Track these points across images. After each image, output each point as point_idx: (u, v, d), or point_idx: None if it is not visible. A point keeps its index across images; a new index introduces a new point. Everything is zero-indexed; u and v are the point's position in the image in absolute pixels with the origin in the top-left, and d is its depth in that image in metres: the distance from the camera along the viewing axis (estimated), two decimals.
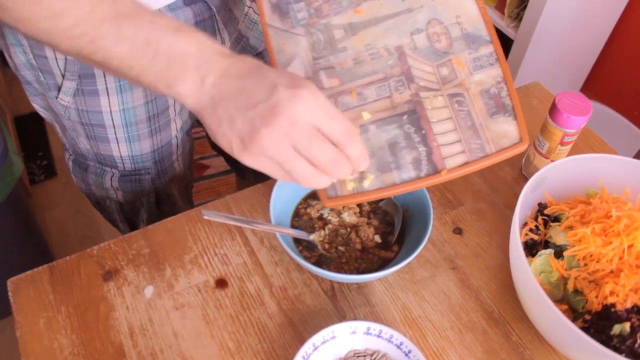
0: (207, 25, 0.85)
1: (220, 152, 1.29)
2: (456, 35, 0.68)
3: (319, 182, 0.58)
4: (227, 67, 0.55)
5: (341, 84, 0.68)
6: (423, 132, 0.66)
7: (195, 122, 1.04)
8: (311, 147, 0.54)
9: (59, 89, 0.82)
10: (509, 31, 2.09)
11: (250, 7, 0.94)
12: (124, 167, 0.96)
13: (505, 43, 2.08)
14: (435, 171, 0.65)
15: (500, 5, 2.13)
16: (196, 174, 2.19)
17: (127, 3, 0.55)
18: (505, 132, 0.65)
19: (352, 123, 0.57)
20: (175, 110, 0.93)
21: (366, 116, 0.67)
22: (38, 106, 0.90)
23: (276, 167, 0.56)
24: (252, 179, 1.30)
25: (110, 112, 0.85)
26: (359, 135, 0.57)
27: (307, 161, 0.55)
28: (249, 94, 0.54)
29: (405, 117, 0.66)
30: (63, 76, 0.80)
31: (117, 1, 0.54)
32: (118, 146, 0.91)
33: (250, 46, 0.99)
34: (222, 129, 0.55)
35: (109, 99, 0.83)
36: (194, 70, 0.54)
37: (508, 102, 0.66)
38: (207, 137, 1.28)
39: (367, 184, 0.65)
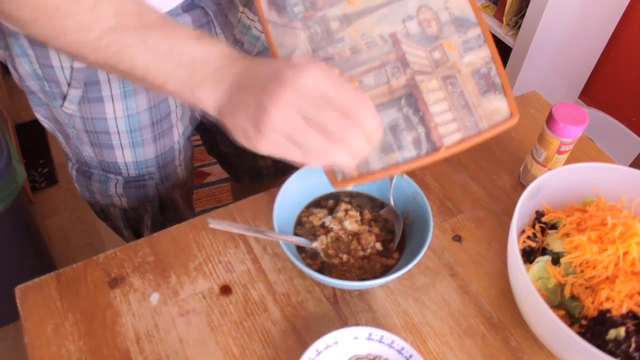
0: (204, 30, 0.87)
1: (217, 156, 1.30)
2: (445, 20, 0.71)
3: (334, 156, 0.57)
4: (243, 66, 0.58)
5: (341, 73, 0.71)
6: (421, 113, 0.69)
7: (194, 129, 1.06)
8: (319, 115, 0.54)
9: (64, 98, 0.84)
10: (507, 39, 2.11)
11: (242, 12, 0.96)
12: (129, 174, 0.97)
13: (504, 51, 2.10)
14: (435, 149, 0.69)
15: (498, 14, 2.15)
16: (197, 181, 2.20)
17: (151, 15, 0.58)
18: (497, 109, 0.69)
19: (361, 93, 0.57)
20: (177, 116, 0.94)
21: None
22: (41, 116, 0.91)
23: (290, 145, 0.56)
24: (247, 182, 1.31)
25: (115, 118, 0.87)
26: (371, 103, 0.57)
27: (319, 132, 0.55)
28: (257, 79, 0.55)
29: (403, 100, 0.70)
30: (69, 84, 0.82)
31: (141, 14, 0.57)
32: (122, 152, 0.93)
33: (244, 50, 1.01)
34: (237, 121, 0.57)
35: (113, 105, 0.85)
36: (213, 74, 0.57)
37: (497, 81, 0.70)
38: (205, 144, 1.30)
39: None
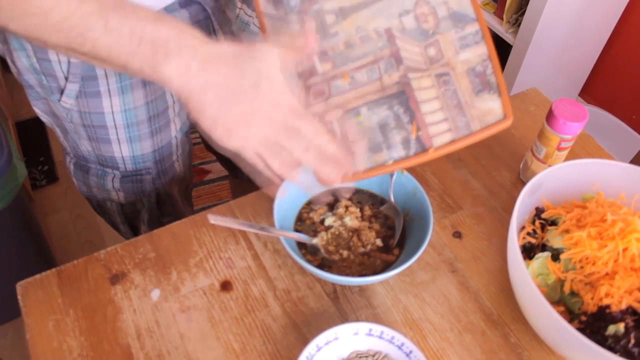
0: (202, 26, 0.87)
1: (216, 153, 1.31)
2: (443, 14, 0.69)
3: (292, 175, 0.64)
4: (208, 53, 0.59)
5: (334, 68, 0.70)
6: (411, 112, 0.68)
7: (192, 126, 1.06)
8: (284, 137, 0.61)
9: (62, 92, 0.84)
10: (507, 36, 2.11)
11: (241, 8, 0.96)
12: (125, 168, 0.98)
13: (504, 48, 2.10)
14: (423, 150, 0.68)
15: (499, 11, 2.15)
16: (197, 179, 2.20)
17: None
18: (490, 110, 0.67)
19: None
20: (174, 111, 0.95)
21: None
22: (39, 110, 0.92)
23: (251, 154, 0.62)
24: (245, 178, 1.32)
25: (112, 112, 0.87)
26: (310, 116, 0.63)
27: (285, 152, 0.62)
28: (236, 83, 0.59)
29: (394, 98, 0.69)
30: (66, 79, 0.82)
31: None
32: (120, 147, 0.93)
33: None
34: (208, 113, 0.60)
35: (110, 100, 0.85)
36: (176, 54, 0.58)
37: (493, 80, 0.68)
38: (203, 140, 1.30)
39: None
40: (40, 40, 0.59)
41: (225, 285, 0.78)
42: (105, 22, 0.56)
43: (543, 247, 0.76)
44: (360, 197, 0.87)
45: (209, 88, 0.59)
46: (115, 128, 0.90)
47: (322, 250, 0.80)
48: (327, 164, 0.63)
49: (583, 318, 0.68)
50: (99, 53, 0.58)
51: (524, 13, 2.00)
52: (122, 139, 0.92)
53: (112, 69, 0.61)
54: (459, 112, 0.68)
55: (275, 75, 0.61)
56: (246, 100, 0.59)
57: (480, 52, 0.68)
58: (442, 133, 0.68)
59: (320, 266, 0.78)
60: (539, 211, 0.79)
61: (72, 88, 0.83)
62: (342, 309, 0.77)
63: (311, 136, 0.62)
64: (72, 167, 1.02)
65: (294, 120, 0.61)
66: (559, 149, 0.87)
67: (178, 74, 0.58)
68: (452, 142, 0.67)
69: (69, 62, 0.80)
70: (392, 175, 0.84)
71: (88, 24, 0.56)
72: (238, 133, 0.60)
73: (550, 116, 0.85)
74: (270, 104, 0.60)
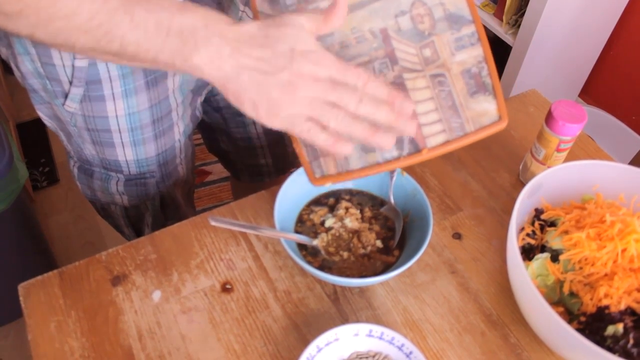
0: None
1: (217, 154, 1.31)
2: (439, 16, 0.69)
3: (350, 129, 0.62)
4: (237, 35, 0.59)
5: None
6: None
7: (195, 128, 1.07)
8: (334, 92, 0.60)
9: (66, 96, 0.84)
10: (507, 38, 2.11)
11: (243, 11, 0.97)
12: (129, 172, 0.98)
13: (504, 49, 2.10)
14: (417, 150, 0.68)
15: (498, 12, 2.15)
16: (198, 180, 2.20)
17: None
18: (485, 111, 0.67)
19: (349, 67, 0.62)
20: (178, 114, 0.95)
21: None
22: (43, 115, 0.92)
23: (303, 124, 0.61)
24: (246, 180, 1.32)
25: (116, 116, 0.87)
26: (358, 70, 0.62)
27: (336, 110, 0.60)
28: (270, 62, 0.59)
29: None
30: (70, 83, 0.82)
31: None
32: (124, 150, 0.93)
33: None
34: (247, 96, 0.60)
35: (115, 104, 0.85)
36: (205, 42, 0.58)
37: (488, 82, 0.68)
38: (205, 142, 1.30)
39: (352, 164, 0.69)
40: (68, 45, 0.59)
41: (226, 287, 0.79)
42: (131, 16, 0.56)
43: (542, 248, 0.77)
44: (360, 199, 0.87)
45: (242, 71, 0.59)
46: (119, 132, 0.90)
47: (323, 252, 0.80)
48: (384, 109, 0.61)
49: (582, 319, 0.69)
50: (127, 50, 0.58)
51: (523, 14, 2.00)
52: (126, 143, 0.92)
53: (141, 65, 0.61)
54: (454, 113, 0.68)
55: (307, 38, 0.60)
56: (284, 71, 0.58)
57: (476, 54, 0.68)
58: (436, 134, 0.68)
59: (321, 267, 0.78)
60: (538, 212, 0.80)
61: (76, 92, 0.83)
62: (342, 310, 0.77)
63: (361, 85, 0.61)
64: (76, 170, 1.02)
65: (340, 74, 0.60)
66: (558, 150, 0.87)
67: (210, 61, 0.58)
68: (446, 143, 0.67)
69: (73, 66, 0.80)
70: (391, 176, 0.84)
71: (114, 20, 0.56)
72: (282, 109, 0.60)
73: (549, 118, 0.85)
74: (311, 65, 0.59)
